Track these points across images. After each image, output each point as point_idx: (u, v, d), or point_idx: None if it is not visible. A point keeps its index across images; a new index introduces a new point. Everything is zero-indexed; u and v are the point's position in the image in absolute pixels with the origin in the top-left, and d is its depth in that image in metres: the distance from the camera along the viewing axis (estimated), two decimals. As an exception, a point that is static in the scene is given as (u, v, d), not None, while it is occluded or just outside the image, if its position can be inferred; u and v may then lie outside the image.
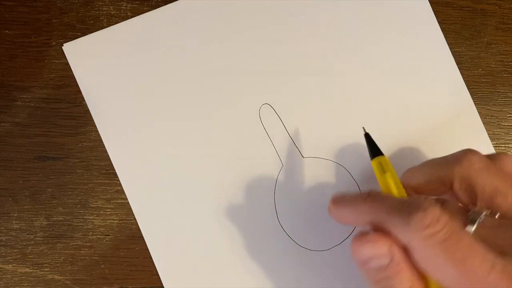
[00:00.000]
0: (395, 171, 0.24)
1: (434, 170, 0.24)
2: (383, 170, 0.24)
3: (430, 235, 0.19)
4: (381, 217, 0.21)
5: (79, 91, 0.30)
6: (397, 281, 0.20)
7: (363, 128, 0.27)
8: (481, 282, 0.18)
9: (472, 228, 0.20)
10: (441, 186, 0.24)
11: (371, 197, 0.22)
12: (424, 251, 0.19)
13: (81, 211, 0.29)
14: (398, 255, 0.20)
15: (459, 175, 0.23)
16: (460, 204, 0.23)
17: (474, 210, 0.21)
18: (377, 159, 0.25)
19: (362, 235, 0.21)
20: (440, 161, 0.24)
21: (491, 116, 0.31)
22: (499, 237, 0.20)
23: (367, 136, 0.26)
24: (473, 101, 0.31)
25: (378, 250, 0.20)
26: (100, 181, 0.29)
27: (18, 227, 0.29)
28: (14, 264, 0.29)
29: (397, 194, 0.23)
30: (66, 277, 0.29)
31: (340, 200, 0.24)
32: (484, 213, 0.21)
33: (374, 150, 0.26)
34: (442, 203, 0.22)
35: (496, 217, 0.21)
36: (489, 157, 0.24)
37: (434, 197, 0.23)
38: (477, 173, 0.22)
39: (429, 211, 0.19)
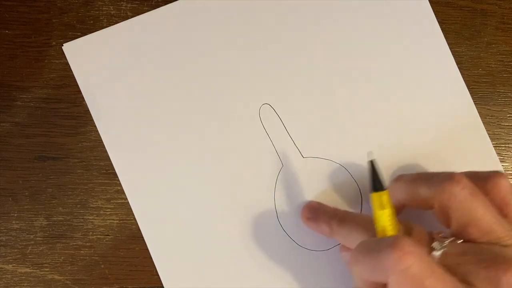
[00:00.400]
0: (394, 207, 0.23)
1: (419, 190, 0.25)
2: (382, 207, 0.23)
3: (403, 270, 0.19)
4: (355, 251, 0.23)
5: (79, 91, 0.30)
6: None
7: (368, 153, 0.24)
8: None
9: (436, 256, 0.22)
10: (424, 205, 0.24)
11: (345, 221, 0.25)
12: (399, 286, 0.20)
13: (81, 211, 0.29)
14: None
15: (438, 202, 0.23)
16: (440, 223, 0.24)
17: (439, 238, 0.23)
18: (378, 194, 0.23)
19: None
20: (426, 181, 0.24)
21: (491, 116, 0.31)
22: (462, 264, 0.21)
23: (372, 164, 0.24)
24: (473, 101, 0.31)
25: None
26: (100, 181, 0.29)
27: (18, 227, 0.29)
28: (14, 264, 0.29)
29: (391, 232, 0.23)
30: (66, 277, 0.29)
31: (315, 213, 0.27)
32: (446, 242, 0.22)
33: (377, 182, 0.23)
34: (410, 232, 0.23)
35: (459, 242, 0.22)
36: (481, 177, 0.24)
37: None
38: (456, 203, 0.23)
39: (401, 246, 0.20)
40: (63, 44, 0.30)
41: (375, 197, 0.23)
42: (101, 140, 0.30)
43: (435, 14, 0.31)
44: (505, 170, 0.30)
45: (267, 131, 0.30)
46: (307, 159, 0.30)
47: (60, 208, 0.29)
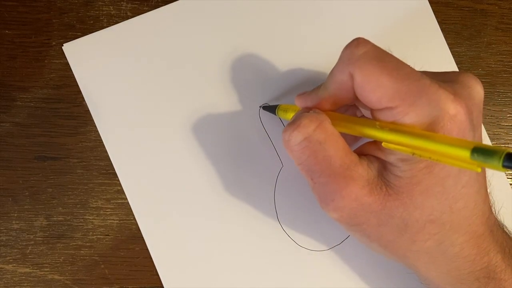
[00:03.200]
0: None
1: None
2: (286, 110, 0.26)
3: (362, 54, 0.21)
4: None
5: (79, 91, 0.30)
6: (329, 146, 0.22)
7: (261, 107, 0.29)
8: (415, 84, 0.20)
9: None
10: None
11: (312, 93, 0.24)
12: (363, 70, 0.20)
13: (81, 211, 0.29)
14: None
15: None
16: None
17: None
18: (278, 109, 0.27)
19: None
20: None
21: (491, 116, 0.31)
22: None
23: (264, 108, 0.29)
24: (473, 101, 0.31)
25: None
26: (100, 181, 0.29)
27: (18, 227, 0.29)
28: (14, 264, 0.29)
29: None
30: (66, 277, 0.29)
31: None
32: None
33: (273, 107, 0.28)
34: None
35: None
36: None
37: None
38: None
39: (357, 39, 0.22)
40: (63, 44, 0.30)
41: (279, 112, 0.27)
42: (101, 140, 0.30)
43: (435, 14, 0.31)
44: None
45: (267, 131, 0.30)
46: (307, 159, 0.30)
47: (60, 208, 0.29)
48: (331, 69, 0.23)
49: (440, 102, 0.19)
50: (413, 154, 0.19)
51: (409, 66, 0.21)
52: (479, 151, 0.17)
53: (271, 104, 0.29)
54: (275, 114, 0.28)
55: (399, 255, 0.23)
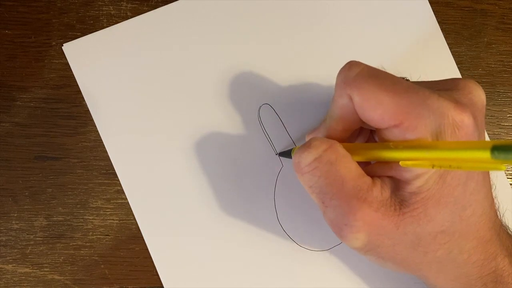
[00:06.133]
0: None
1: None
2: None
3: (356, 75, 0.20)
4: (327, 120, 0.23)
5: (79, 91, 0.30)
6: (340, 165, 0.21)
7: (277, 154, 0.29)
8: (415, 96, 0.19)
9: None
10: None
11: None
12: (360, 90, 0.20)
13: (81, 211, 0.29)
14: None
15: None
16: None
17: None
18: (293, 150, 0.26)
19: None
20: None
21: (491, 116, 0.31)
22: None
23: (281, 154, 0.29)
24: (473, 101, 0.31)
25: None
26: (100, 181, 0.29)
27: (18, 227, 0.29)
28: (14, 264, 0.29)
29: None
30: (66, 277, 0.29)
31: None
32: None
33: (289, 152, 0.27)
34: None
35: None
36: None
37: None
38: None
39: (349, 62, 0.21)
40: (63, 44, 0.30)
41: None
42: (101, 140, 0.30)
43: (435, 14, 0.31)
44: (504, 170, 0.30)
45: (267, 131, 0.30)
46: (307, 159, 0.30)
47: (60, 208, 0.29)
48: (332, 97, 0.22)
49: (443, 111, 0.19)
50: (433, 166, 0.18)
51: (405, 81, 0.20)
52: (499, 149, 0.16)
53: (286, 149, 0.29)
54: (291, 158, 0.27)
55: (412, 269, 0.22)
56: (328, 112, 0.23)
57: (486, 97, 0.31)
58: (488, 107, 0.31)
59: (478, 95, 0.21)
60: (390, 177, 0.21)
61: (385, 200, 0.21)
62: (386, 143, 0.21)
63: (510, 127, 0.31)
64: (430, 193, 0.20)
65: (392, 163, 0.21)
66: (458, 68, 0.31)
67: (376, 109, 0.20)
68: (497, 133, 0.31)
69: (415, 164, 0.19)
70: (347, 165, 0.21)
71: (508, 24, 0.31)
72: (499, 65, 0.31)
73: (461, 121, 0.19)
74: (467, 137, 0.19)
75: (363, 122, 0.22)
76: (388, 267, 0.23)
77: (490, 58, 0.31)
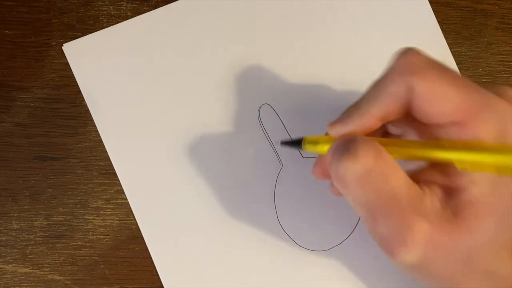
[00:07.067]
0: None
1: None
2: (316, 143, 0.22)
3: (423, 63, 0.19)
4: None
5: (79, 91, 0.30)
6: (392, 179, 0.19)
7: (281, 142, 0.26)
8: (481, 96, 0.18)
9: None
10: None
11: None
12: (428, 81, 0.19)
13: (81, 211, 0.29)
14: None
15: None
16: None
17: None
18: (305, 142, 0.23)
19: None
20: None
21: (491, 116, 0.31)
22: None
23: (284, 143, 0.25)
24: (473, 101, 0.31)
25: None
26: (100, 181, 0.29)
27: (18, 227, 0.29)
28: (14, 264, 0.29)
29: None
30: (66, 277, 0.29)
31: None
32: None
33: (296, 141, 0.24)
34: None
35: None
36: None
37: None
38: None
39: (412, 49, 0.20)
40: (63, 44, 0.30)
41: (306, 145, 0.23)
42: (101, 140, 0.30)
43: (435, 14, 0.31)
44: None
45: (267, 131, 0.30)
46: (307, 159, 0.30)
47: (60, 208, 0.29)
48: (375, 81, 0.20)
49: (506, 115, 0.18)
50: (498, 171, 0.17)
51: (468, 78, 0.19)
52: None
53: (293, 138, 0.26)
54: (299, 149, 0.25)
55: (454, 283, 0.20)
56: (367, 98, 0.20)
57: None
58: (488, 107, 0.31)
59: None
60: (438, 184, 0.20)
61: (438, 212, 0.19)
62: (438, 142, 0.19)
63: (510, 127, 0.31)
64: (485, 202, 0.18)
65: (443, 167, 0.19)
66: (458, 68, 0.31)
67: (442, 104, 0.18)
68: (497, 133, 0.31)
69: (477, 168, 0.17)
70: (397, 174, 0.19)
71: (508, 24, 0.31)
72: (499, 65, 0.31)
73: None
74: None
75: (406, 114, 0.20)
76: (431, 285, 0.21)
77: (490, 58, 0.31)
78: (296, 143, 0.24)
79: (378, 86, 0.20)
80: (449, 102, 0.18)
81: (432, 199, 0.19)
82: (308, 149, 0.23)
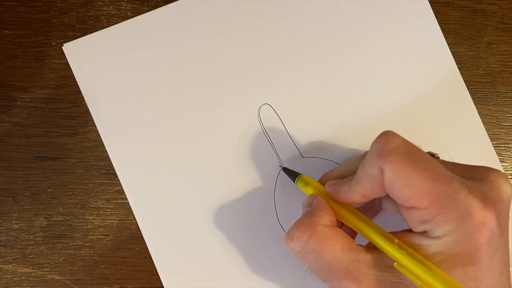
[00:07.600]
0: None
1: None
2: (307, 184, 0.26)
3: (392, 149, 0.20)
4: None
5: (79, 91, 0.30)
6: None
7: (280, 166, 0.29)
8: (446, 186, 0.19)
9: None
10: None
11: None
12: (393, 167, 0.20)
13: (81, 211, 0.29)
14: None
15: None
16: None
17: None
18: (298, 179, 0.27)
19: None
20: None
21: (491, 116, 0.31)
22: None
23: (285, 170, 0.29)
24: (473, 101, 0.31)
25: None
26: (100, 181, 0.29)
27: (18, 227, 0.29)
28: (14, 264, 0.29)
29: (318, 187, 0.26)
30: (66, 277, 0.29)
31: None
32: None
33: (294, 174, 0.28)
34: None
35: None
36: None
37: None
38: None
39: (387, 133, 0.21)
40: (63, 44, 0.30)
41: (298, 182, 0.27)
42: (101, 140, 0.30)
43: (435, 14, 0.31)
44: (505, 170, 0.30)
45: (267, 131, 0.30)
46: (307, 159, 0.30)
47: (60, 208, 0.29)
48: (363, 154, 0.23)
49: (469, 210, 0.19)
50: (421, 286, 0.19)
51: (439, 165, 0.20)
52: None
53: (294, 171, 0.28)
54: (293, 181, 0.27)
55: None
56: (356, 176, 0.23)
57: (486, 97, 0.31)
58: (488, 107, 0.31)
59: (506, 190, 0.21)
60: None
61: (380, 274, 0.21)
62: (391, 236, 0.21)
63: (510, 127, 0.31)
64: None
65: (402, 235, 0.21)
66: (458, 68, 0.31)
67: (405, 190, 0.20)
68: (497, 133, 0.31)
69: (406, 274, 0.20)
70: (332, 248, 0.22)
71: (508, 24, 0.32)
72: (499, 65, 0.31)
73: (484, 223, 0.19)
74: (487, 239, 0.19)
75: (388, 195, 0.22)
76: None
77: (490, 58, 0.31)
78: (293, 175, 0.28)
79: (361, 167, 0.22)
80: (411, 189, 0.20)
81: (374, 262, 0.21)
82: (299, 185, 0.27)
